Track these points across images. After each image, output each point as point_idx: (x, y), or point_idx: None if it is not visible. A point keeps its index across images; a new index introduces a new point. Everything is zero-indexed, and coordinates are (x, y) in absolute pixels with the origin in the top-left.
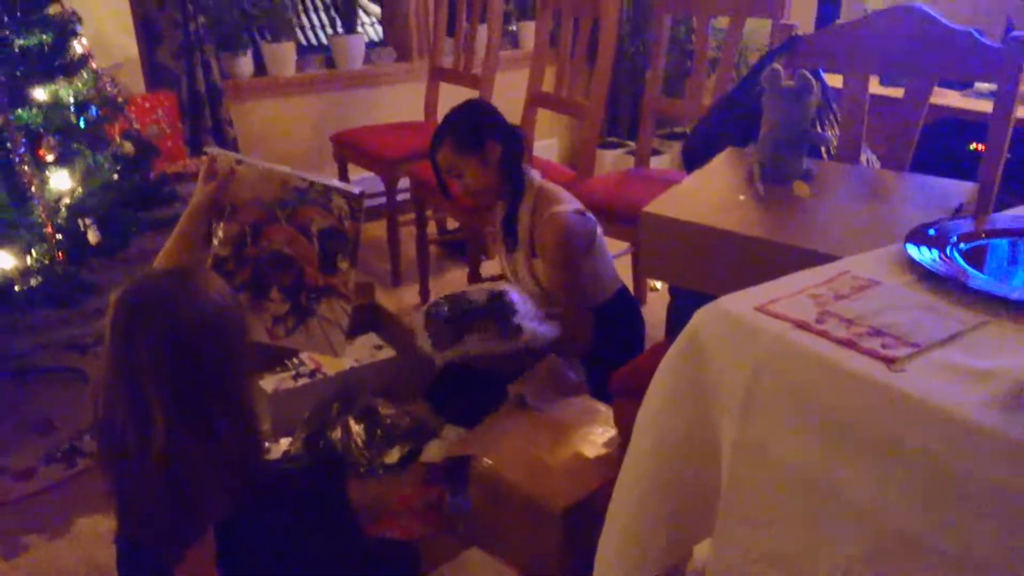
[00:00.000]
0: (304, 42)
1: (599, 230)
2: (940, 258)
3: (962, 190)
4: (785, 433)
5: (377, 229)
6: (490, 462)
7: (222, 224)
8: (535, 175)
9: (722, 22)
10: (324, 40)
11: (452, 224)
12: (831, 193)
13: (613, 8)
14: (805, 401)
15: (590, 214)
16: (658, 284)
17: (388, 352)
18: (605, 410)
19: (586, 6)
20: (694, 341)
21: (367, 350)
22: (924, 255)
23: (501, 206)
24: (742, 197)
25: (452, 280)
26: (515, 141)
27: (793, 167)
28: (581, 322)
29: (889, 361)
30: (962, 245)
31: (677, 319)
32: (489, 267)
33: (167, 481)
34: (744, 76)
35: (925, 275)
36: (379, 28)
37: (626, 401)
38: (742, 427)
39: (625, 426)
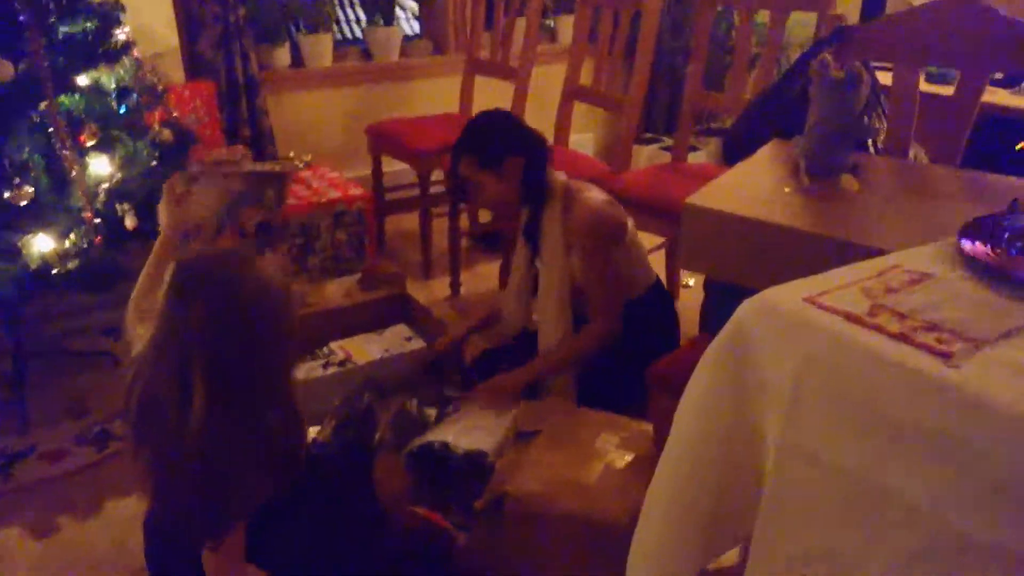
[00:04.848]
0: (340, 36)
1: (631, 223)
2: (994, 253)
3: (1016, 186)
4: (836, 429)
5: (409, 221)
6: (528, 493)
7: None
8: (560, 176)
9: (762, 16)
10: (360, 34)
11: (484, 217)
12: (879, 187)
13: (654, 2)
14: (857, 396)
15: (620, 207)
16: (691, 280)
17: (418, 343)
18: (598, 414)
19: (626, 0)
20: (739, 333)
21: (398, 341)
22: (978, 249)
23: (525, 211)
24: (788, 190)
25: (483, 274)
26: (537, 152)
27: (840, 160)
28: (615, 315)
29: (946, 356)
30: (1017, 241)
31: (712, 314)
32: None
33: (204, 463)
34: (789, 68)
35: (980, 270)
36: (414, 23)
37: (662, 395)
38: (790, 423)
39: (661, 421)
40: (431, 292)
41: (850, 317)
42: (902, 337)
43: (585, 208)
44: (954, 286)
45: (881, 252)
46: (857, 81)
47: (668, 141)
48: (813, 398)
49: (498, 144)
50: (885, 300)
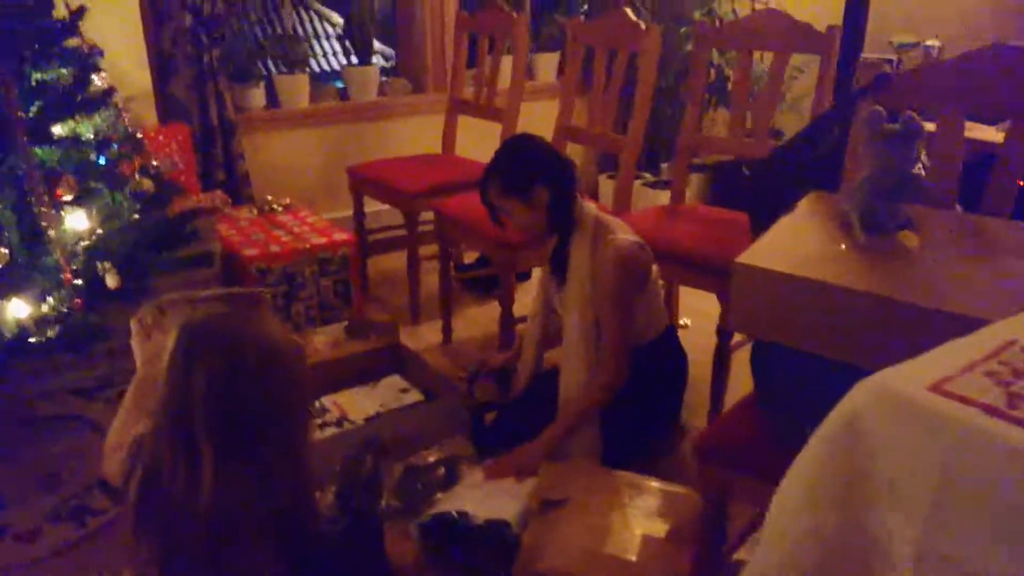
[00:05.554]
0: (316, 69)
1: (655, 266)
2: None
3: None
4: (985, 536)
5: (389, 262)
6: (565, 572)
7: None
8: (590, 208)
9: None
10: (336, 67)
11: (468, 258)
12: (938, 243)
13: (654, 42)
14: (1012, 501)
15: (649, 251)
16: (688, 320)
17: (414, 395)
18: (624, 475)
19: (624, 40)
20: (853, 423)
21: (392, 394)
22: None
23: (553, 241)
24: (843, 247)
25: (474, 317)
26: (564, 180)
27: (895, 214)
28: (622, 366)
29: None
30: None
31: (762, 371)
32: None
33: (215, 534)
34: (820, 117)
35: None
36: (384, 60)
37: (711, 465)
38: (931, 527)
39: (712, 491)
40: (421, 338)
41: (989, 410)
42: None
43: (612, 248)
44: None
45: (966, 318)
46: (915, 134)
47: (650, 177)
48: (959, 501)
49: (524, 170)
50: (1018, 387)
